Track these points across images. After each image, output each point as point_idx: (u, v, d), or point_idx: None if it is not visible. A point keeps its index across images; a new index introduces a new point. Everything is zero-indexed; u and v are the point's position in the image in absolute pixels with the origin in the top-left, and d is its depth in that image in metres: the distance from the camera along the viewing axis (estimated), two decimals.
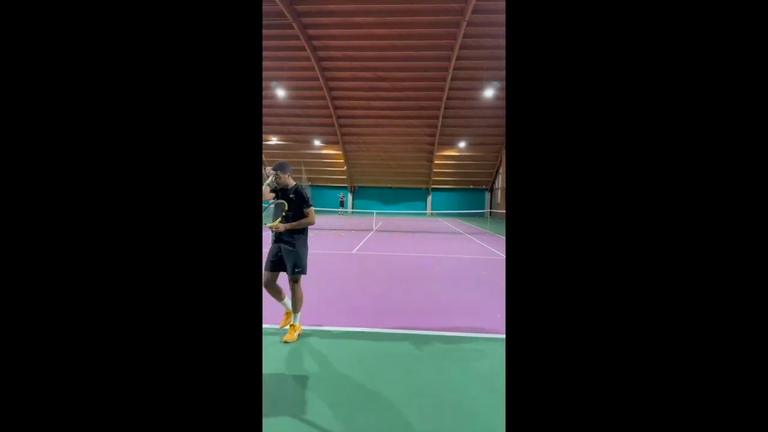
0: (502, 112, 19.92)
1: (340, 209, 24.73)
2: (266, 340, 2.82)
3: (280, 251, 2.85)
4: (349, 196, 26.97)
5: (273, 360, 2.50)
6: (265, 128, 24.01)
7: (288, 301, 2.98)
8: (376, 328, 3.19)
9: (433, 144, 23.80)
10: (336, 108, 21.90)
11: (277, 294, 2.94)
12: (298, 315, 2.94)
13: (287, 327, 2.99)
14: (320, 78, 19.43)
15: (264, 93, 20.17)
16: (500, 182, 24.89)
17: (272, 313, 3.24)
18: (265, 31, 16.67)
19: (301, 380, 2.25)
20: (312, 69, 18.91)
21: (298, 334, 2.90)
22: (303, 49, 17.54)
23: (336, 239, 9.90)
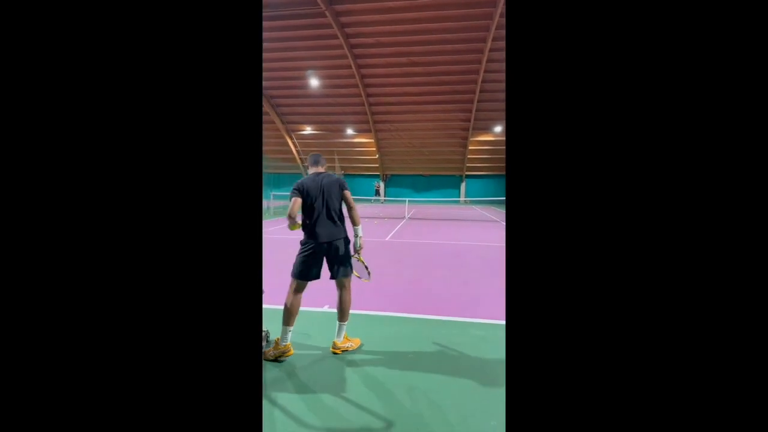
0: None
1: (374, 197, 24.91)
2: (308, 321, 2.93)
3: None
4: (382, 185, 27.06)
5: (311, 339, 2.60)
6: (298, 118, 24.48)
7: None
8: (410, 313, 3.21)
9: (467, 129, 23.19)
10: (368, 96, 21.83)
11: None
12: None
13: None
14: (353, 66, 19.39)
15: (297, 83, 20.49)
16: None
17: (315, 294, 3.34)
18: (297, 21, 16.84)
19: (336, 360, 2.32)
20: (345, 57, 18.90)
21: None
22: (335, 37, 17.54)
23: (369, 226, 10.00)
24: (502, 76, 19.36)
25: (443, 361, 2.34)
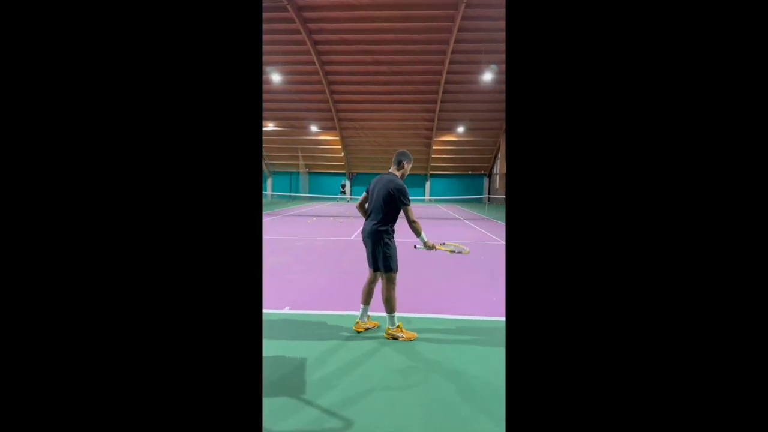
0: (501, 96, 19.69)
1: (340, 196, 24.72)
2: (271, 324, 2.84)
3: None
4: (348, 183, 26.89)
5: (276, 340, 2.53)
6: None
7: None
8: (374, 312, 3.21)
9: (431, 129, 23.60)
10: (333, 93, 21.58)
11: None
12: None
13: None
14: (316, 62, 19.08)
15: None
16: (499, 167, 24.81)
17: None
18: None
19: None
20: (308, 53, 18.55)
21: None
22: (298, 32, 17.16)
23: (334, 226, 9.90)
24: (464, 77, 19.95)
25: (405, 355, 2.37)
